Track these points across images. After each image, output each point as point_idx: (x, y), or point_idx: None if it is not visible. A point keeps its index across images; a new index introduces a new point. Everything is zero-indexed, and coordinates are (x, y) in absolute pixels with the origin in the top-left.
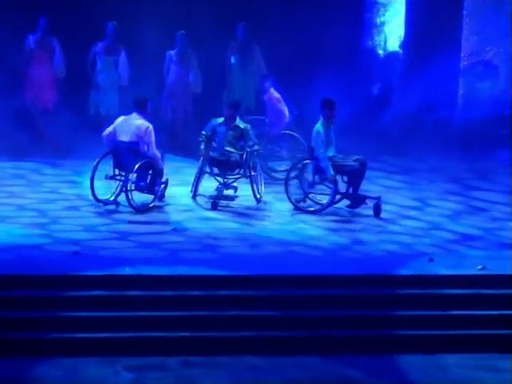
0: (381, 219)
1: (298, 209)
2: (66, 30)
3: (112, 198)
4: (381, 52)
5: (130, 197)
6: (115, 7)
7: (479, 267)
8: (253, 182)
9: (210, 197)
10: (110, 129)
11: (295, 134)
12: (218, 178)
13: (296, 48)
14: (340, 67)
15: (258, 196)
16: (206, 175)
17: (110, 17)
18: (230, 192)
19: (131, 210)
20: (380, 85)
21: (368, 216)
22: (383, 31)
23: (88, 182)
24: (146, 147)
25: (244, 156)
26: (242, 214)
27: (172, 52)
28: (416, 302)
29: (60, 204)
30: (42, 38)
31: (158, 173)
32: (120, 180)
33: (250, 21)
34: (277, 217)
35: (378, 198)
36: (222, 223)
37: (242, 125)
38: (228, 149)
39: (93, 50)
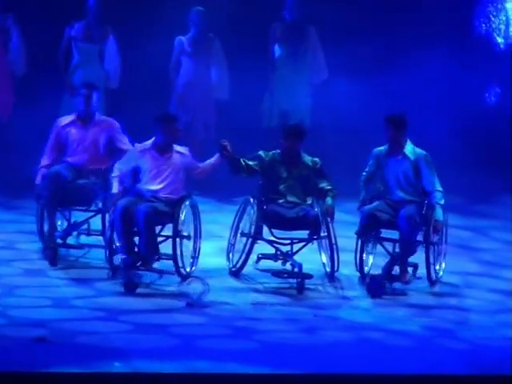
0: (500, 292)
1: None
2: (28, 4)
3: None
4: (500, 40)
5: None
6: None
7: None
8: (333, 248)
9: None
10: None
11: None
12: (278, 245)
13: (374, 39)
14: (440, 64)
15: (336, 269)
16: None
17: None
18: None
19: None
20: (499, 89)
21: (479, 286)
22: (504, 9)
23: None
24: None
25: (317, 209)
26: (290, 284)
27: (184, 38)
28: None
29: (17, 266)
30: None
31: None
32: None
33: None
34: (342, 287)
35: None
36: (262, 296)
37: (309, 161)
38: (291, 199)
39: (67, 35)
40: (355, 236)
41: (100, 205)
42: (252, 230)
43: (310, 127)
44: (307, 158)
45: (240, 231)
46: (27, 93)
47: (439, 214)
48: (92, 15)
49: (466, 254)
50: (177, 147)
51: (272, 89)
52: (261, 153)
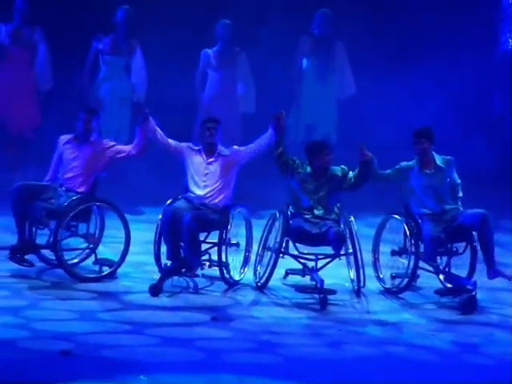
0: None
1: (392, 290)
2: (55, 17)
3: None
4: None
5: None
6: None
7: None
8: (358, 264)
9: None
10: None
11: None
12: (303, 261)
13: (400, 54)
14: (466, 83)
15: (362, 285)
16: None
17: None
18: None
19: (147, 288)
20: None
21: (505, 303)
22: None
23: None
24: None
25: (342, 225)
26: (315, 299)
27: (210, 51)
28: None
29: (41, 277)
30: (18, 28)
31: None
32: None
33: (335, 8)
34: (366, 301)
35: (474, 285)
36: (287, 311)
37: (338, 171)
38: (318, 213)
39: (94, 48)
40: None
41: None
42: (277, 245)
43: (336, 142)
44: (336, 169)
45: (266, 246)
46: (52, 107)
47: None
48: (120, 29)
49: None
50: (221, 149)
51: (298, 103)
52: (296, 159)
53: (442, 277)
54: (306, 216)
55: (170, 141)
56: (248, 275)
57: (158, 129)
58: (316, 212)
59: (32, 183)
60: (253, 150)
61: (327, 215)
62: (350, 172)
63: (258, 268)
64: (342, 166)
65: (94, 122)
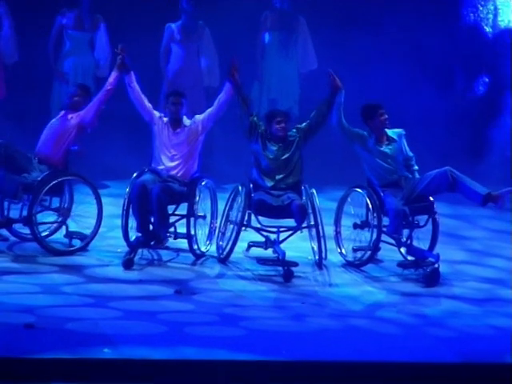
0: (488, 281)
1: (354, 263)
2: None
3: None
4: (488, 30)
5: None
6: None
7: None
8: (320, 237)
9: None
10: None
11: None
12: (266, 233)
13: (363, 28)
14: (428, 56)
15: (324, 257)
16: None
17: None
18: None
19: (111, 261)
20: (487, 79)
21: (467, 275)
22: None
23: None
24: None
25: (304, 197)
26: (278, 272)
27: (174, 25)
28: None
29: (7, 252)
30: None
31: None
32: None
33: None
34: (328, 274)
35: (437, 258)
36: (250, 284)
37: (293, 132)
38: (278, 177)
39: (58, 23)
40: None
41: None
42: (239, 218)
43: (298, 115)
44: (292, 132)
45: (228, 219)
46: (16, 81)
47: None
48: (84, 4)
49: (453, 242)
50: (185, 121)
51: (261, 77)
52: (256, 119)
53: (403, 250)
54: (268, 188)
55: (147, 101)
56: (213, 247)
57: (136, 84)
58: (277, 176)
59: (12, 153)
60: (214, 112)
61: (289, 179)
62: (308, 121)
63: (220, 242)
64: (298, 126)
65: (80, 98)
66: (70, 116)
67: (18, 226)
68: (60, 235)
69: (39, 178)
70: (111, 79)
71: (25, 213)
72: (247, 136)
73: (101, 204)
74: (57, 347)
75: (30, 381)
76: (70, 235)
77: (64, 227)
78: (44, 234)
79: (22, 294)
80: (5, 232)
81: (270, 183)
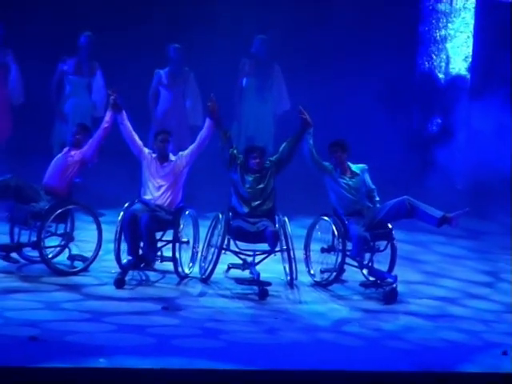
0: (440, 299)
1: (321, 283)
2: (25, 40)
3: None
4: (441, 76)
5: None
6: (89, 13)
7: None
8: (291, 260)
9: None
10: None
11: None
12: (243, 256)
13: (330, 73)
14: (389, 98)
15: (295, 278)
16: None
17: (83, 26)
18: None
19: (105, 281)
20: (440, 120)
21: (422, 294)
22: (445, 49)
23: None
24: None
25: (277, 225)
26: (253, 290)
27: (162, 71)
28: None
29: (16, 272)
30: None
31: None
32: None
33: (271, 33)
34: (298, 293)
35: (394, 279)
36: (229, 301)
37: (267, 164)
38: (254, 204)
39: (59, 69)
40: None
41: None
42: (219, 243)
43: (273, 152)
44: (266, 164)
45: (210, 243)
46: (22, 120)
47: None
48: (82, 52)
49: (410, 265)
50: (171, 156)
51: (239, 117)
52: (236, 151)
53: (365, 271)
54: (245, 216)
55: (137, 138)
56: (196, 269)
57: (128, 122)
58: (253, 203)
59: (22, 185)
60: (195, 147)
61: (263, 206)
62: (278, 152)
63: (203, 264)
64: (271, 158)
65: (80, 136)
66: (73, 152)
67: (26, 250)
68: (63, 257)
69: (46, 207)
70: (107, 118)
71: (33, 238)
72: (227, 166)
73: (101, 230)
74: (58, 357)
75: None
76: (72, 258)
77: (67, 250)
78: (49, 256)
79: (28, 309)
80: (15, 255)
81: (246, 209)
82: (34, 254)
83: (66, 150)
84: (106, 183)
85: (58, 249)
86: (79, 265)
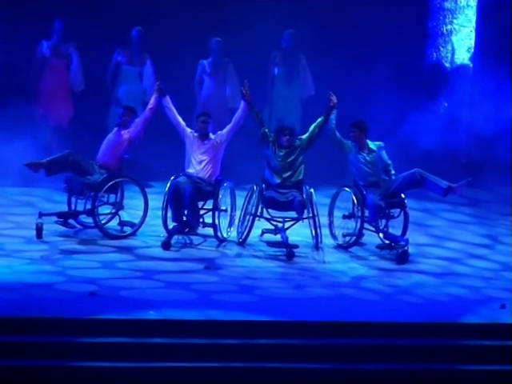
0: (445, 259)
1: (343, 245)
2: (85, 35)
3: None
4: (447, 65)
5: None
6: (140, 10)
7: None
8: (316, 225)
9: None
10: None
11: None
12: (275, 222)
13: (350, 62)
14: (401, 83)
15: (320, 241)
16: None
17: (135, 21)
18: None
19: (154, 244)
20: (447, 103)
21: (430, 255)
22: (450, 41)
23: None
24: None
25: (304, 195)
26: (283, 252)
27: (205, 61)
28: (486, 355)
29: (74, 236)
30: (57, 43)
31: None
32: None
33: (298, 28)
34: (323, 254)
35: (406, 242)
36: (262, 262)
37: (297, 141)
38: (286, 175)
39: (114, 59)
40: None
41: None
42: (253, 211)
43: (300, 131)
44: (296, 141)
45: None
46: (83, 105)
47: None
48: (134, 44)
49: (419, 229)
50: (211, 135)
51: (271, 101)
52: (267, 130)
53: (381, 235)
54: (276, 186)
55: (181, 120)
56: (233, 234)
57: (172, 105)
58: (284, 174)
59: (79, 160)
60: (232, 126)
61: (293, 178)
62: (308, 131)
63: (240, 229)
64: (299, 137)
65: (127, 117)
66: (122, 132)
67: (82, 217)
68: (114, 223)
69: (100, 180)
70: (152, 100)
71: (88, 206)
72: (260, 143)
73: (147, 200)
74: (113, 310)
75: (93, 337)
76: (122, 224)
77: (117, 217)
78: (102, 222)
79: (87, 268)
80: (72, 221)
81: (278, 180)
82: (89, 220)
83: (115, 129)
84: (155, 159)
85: (110, 216)
86: (128, 230)
